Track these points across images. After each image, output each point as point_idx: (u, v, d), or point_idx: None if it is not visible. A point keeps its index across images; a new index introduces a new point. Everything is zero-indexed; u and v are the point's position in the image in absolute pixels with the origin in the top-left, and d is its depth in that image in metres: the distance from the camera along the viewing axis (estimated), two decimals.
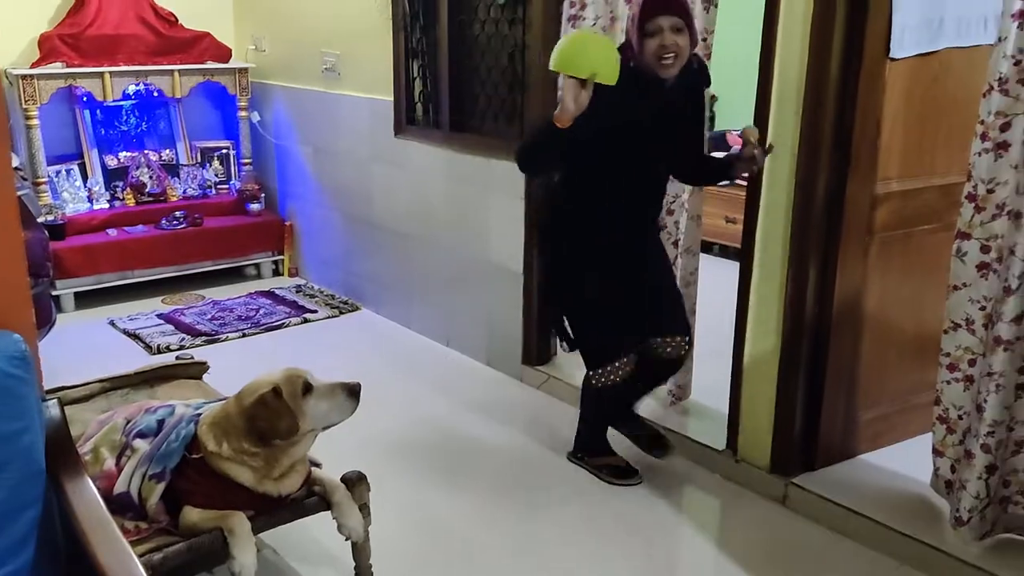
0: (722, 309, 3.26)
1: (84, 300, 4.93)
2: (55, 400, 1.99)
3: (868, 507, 2.82)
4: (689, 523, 3.01)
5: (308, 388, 2.24)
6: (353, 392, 2.28)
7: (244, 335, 4.54)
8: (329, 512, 2.36)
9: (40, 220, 4.25)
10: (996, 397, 2.46)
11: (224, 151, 5.69)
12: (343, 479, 2.41)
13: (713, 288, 3.73)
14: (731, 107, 6.32)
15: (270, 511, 2.30)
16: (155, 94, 5.39)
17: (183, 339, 4.40)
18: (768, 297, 2.98)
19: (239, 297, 5.12)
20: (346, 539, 2.38)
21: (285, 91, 5.37)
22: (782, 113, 2.83)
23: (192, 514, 2.22)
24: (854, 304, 2.97)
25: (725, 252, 5.65)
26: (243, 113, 5.52)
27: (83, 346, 4.31)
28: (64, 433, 1.96)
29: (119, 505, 2.24)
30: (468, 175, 4.13)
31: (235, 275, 5.49)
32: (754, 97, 2.92)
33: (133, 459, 2.31)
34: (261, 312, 4.85)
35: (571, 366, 3.93)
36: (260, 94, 5.55)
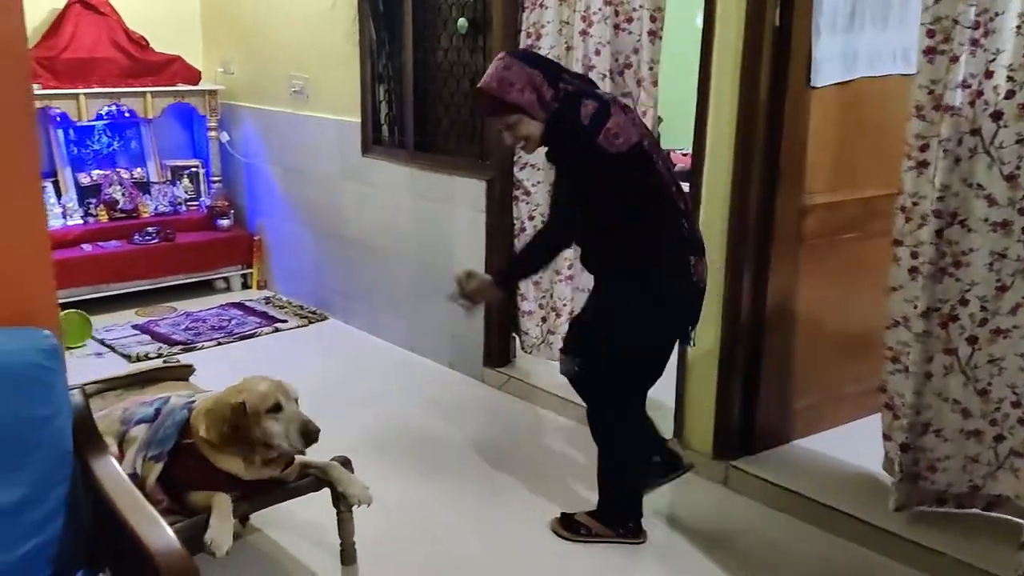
0: None
1: None
2: (79, 389, 2.22)
3: (802, 486, 3.16)
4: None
5: (277, 407, 2.45)
6: (305, 432, 2.43)
7: (219, 343, 4.76)
8: (310, 495, 2.64)
9: None
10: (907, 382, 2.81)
11: (194, 169, 5.91)
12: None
13: None
14: (676, 128, 6.70)
15: (260, 492, 2.55)
16: (127, 114, 5.59)
17: (160, 348, 4.61)
18: (709, 300, 3.31)
19: (211, 309, 5.33)
20: (356, 506, 2.63)
21: (254, 112, 5.62)
22: (718, 135, 3.18)
23: (194, 496, 2.46)
24: (786, 305, 3.32)
25: None
26: (213, 133, 5.75)
27: None
28: (88, 418, 2.20)
29: None
30: (433, 191, 4.42)
31: (205, 288, 5.70)
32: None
33: (134, 445, 2.54)
34: (233, 322, 5.08)
35: (528, 368, 4.24)
36: (229, 115, 5.78)
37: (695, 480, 3.38)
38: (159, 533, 1.91)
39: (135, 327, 4.96)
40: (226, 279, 5.78)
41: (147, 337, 4.79)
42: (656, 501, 3.39)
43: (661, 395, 3.71)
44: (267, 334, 4.95)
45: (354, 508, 2.66)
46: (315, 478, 2.62)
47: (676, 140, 6.80)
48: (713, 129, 3.21)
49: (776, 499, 3.17)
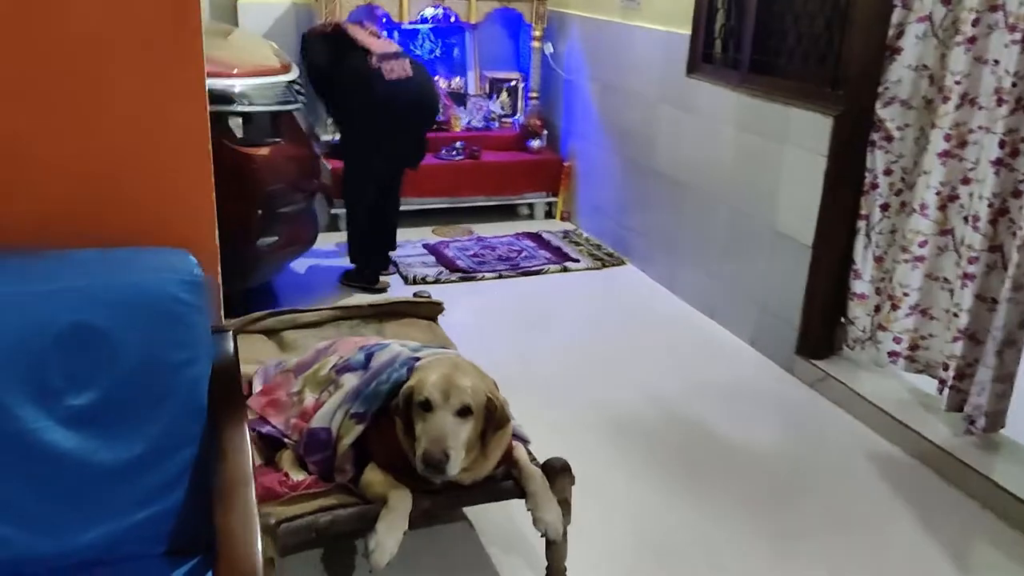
0: None
1: None
2: (228, 333, 1.79)
3: None
4: None
5: (427, 406, 1.87)
6: (427, 457, 1.84)
7: (500, 276, 4.32)
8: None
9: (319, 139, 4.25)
10: None
11: (513, 83, 5.47)
12: (545, 466, 2.06)
13: None
14: None
15: (450, 489, 1.98)
16: (452, 19, 5.26)
17: (440, 272, 4.27)
18: None
19: (505, 236, 4.91)
20: (541, 535, 2.03)
21: (581, 21, 5.02)
22: None
23: (372, 473, 1.98)
24: None
25: None
26: (536, 43, 5.26)
27: (340, 268, 4.28)
28: (233, 371, 1.78)
29: (310, 442, 2.04)
30: (762, 123, 3.54)
31: (507, 212, 5.29)
32: None
33: (338, 394, 2.10)
34: (522, 255, 4.61)
35: (856, 366, 3.28)
36: (556, 24, 5.24)
37: None
38: (247, 541, 1.42)
39: (425, 246, 4.68)
40: (530, 206, 5.33)
41: (432, 259, 4.47)
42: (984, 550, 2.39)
43: None
44: (553, 272, 4.43)
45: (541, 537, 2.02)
46: (515, 483, 2.02)
47: None
48: None
49: None
